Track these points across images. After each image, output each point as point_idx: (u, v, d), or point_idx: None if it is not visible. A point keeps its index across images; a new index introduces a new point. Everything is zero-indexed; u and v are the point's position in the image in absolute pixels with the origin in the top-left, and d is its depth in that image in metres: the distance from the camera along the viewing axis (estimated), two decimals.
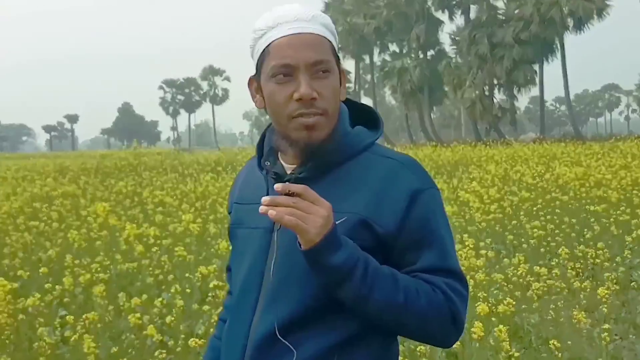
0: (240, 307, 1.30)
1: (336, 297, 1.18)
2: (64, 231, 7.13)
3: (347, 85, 1.39)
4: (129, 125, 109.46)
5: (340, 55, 1.40)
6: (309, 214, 1.12)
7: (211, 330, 4.09)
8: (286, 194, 1.13)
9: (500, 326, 3.31)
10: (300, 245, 1.15)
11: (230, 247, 1.50)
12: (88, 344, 3.34)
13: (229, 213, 1.45)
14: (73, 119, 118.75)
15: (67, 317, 3.90)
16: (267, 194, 1.18)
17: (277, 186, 1.14)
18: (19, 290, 5.54)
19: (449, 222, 1.32)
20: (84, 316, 4.03)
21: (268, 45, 1.24)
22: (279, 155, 1.33)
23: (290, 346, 1.21)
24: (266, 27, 1.25)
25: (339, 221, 1.18)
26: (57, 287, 4.75)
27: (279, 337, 1.21)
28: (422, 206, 1.24)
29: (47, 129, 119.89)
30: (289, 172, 1.29)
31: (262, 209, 1.12)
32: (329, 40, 1.26)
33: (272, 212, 1.11)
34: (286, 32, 1.23)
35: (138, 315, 3.65)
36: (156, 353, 3.84)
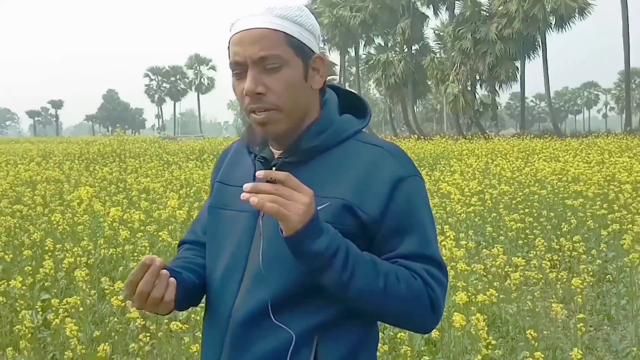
0: (224, 288, 1.31)
1: (318, 283, 1.20)
2: (48, 215, 7.10)
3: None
4: (114, 112, 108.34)
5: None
6: (291, 201, 1.12)
7: (192, 315, 4.13)
8: (268, 181, 1.13)
9: (478, 314, 3.39)
10: (282, 231, 1.15)
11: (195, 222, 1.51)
12: (70, 327, 3.35)
13: (211, 189, 1.46)
14: (57, 104, 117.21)
15: (52, 300, 3.90)
16: (254, 178, 1.19)
17: (259, 173, 1.14)
18: (0, 273, 5.52)
19: (432, 211, 1.34)
20: (65, 300, 4.05)
21: (228, 42, 1.28)
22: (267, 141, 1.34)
23: (282, 325, 1.23)
24: (231, 23, 1.28)
25: (322, 206, 1.20)
26: (40, 270, 4.75)
27: (271, 315, 1.23)
28: (405, 193, 1.26)
29: (31, 114, 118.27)
30: (276, 156, 1.31)
31: (243, 195, 1.12)
32: (284, 33, 1.23)
33: (253, 199, 1.11)
34: (239, 29, 1.25)
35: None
36: (140, 337, 3.88)
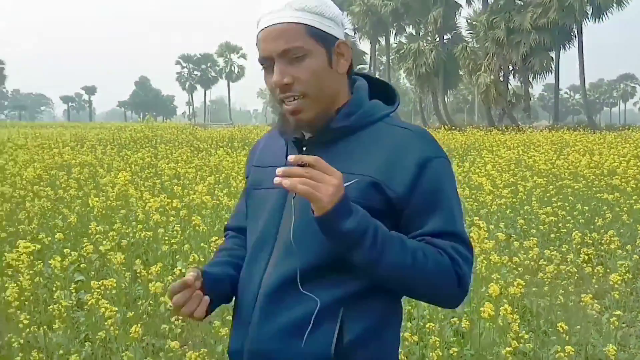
0: (254, 260, 1.38)
1: (348, 260, 1.25)
2: (82, 198, 7.23)
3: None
4: (146, 99, 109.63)
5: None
6: (321, 183, 1.18)
7: None
8: (299, 165, 1.19)
9: (506, 305, 3.36)
10: (313, 212, 1.21)
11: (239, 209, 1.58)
12: (108, 308, 3.41)
13: (247, 177, 1.55)
14: (91, 90, 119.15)
15: (91, 282, 3.97)
16: (286, 159, 1.23)
17: (291, 157, 1.19)
18: (35, 254, 5.65)
19: (458, 192, 1.37)
20: (100, 282, 4.12)
21: (256, 38, 1.36)
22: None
23: (311, 295, 1.28)
24: (256, 21, 1.36)
25: (350, 182, 1.26)
26: (73, 252, 4.84)
27: (299, 284, 1.28)
28: (432, 173, 1.30)
29: (65, 99, 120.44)
30: (307, 137, 1.37)
31: (276, 179, 1.18)
32: (304, 24, 1.30)
33: (286, 182, 1.17)
34: (262, 26, 1.33)
35: (158, 284, 3.74)
36: (171, 319, 3.94)
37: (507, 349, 3.28)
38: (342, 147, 1.33)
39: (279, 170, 1.18)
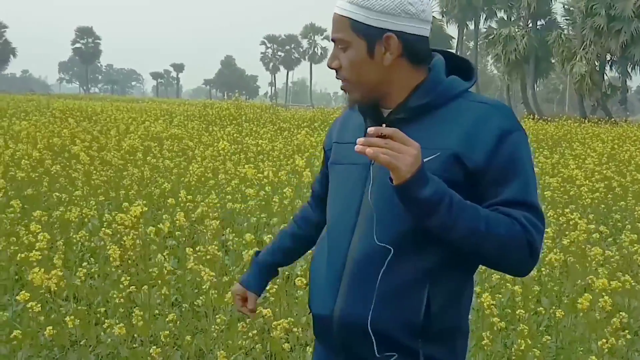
0: (338, 230, 1.48)
1: (425, 227, 1.32)
2: (176, 168, 7.54)
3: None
4: (230, 78, 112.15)
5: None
6: (400, 153, 1.25)
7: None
8: (378, 136, 1.26)
9: (606, 297, 3.25)
10: (391, 180, 1.27)
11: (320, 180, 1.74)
12: (207, 272, 3.58)
13: (326, 150, 1.66)
14: (179, 67, 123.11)
15: (187, 249, 4.15)
16: (365, 135, 1.29)
17: (370, 129, 1.27)
18: (133, 219, 5.96)
19: (534, 164, 1.43)
20: (198, 248, 4.32)
21: None
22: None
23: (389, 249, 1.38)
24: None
25: (432, 156, 1.33)
26: (167, 220, 5.06)
27: (388, 247, 1.37)
28: (510, 145, 1.36)
29: (155, 75, 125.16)
30: (385, 115, 1.45)
31: (357, 148, 1.26)
32: (348, 18, 1.40)
33: (369, 151, 1.24)
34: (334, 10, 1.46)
35: (252, 251, 3.87)
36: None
37: (599, 343, 3.18)
38: (422, 124, 1.39)
39: (360, 140, 1.26)
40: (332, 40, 1.46)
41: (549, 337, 3.33)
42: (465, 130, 1.36)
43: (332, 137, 1.62)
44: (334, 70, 1.47)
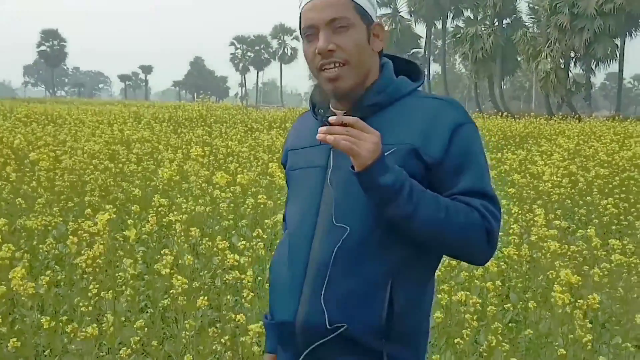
0: (299, 234, 1.46)
1: (385, 216, 1.34)
2: (142, 172, 7.43)
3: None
4: (199, 79, 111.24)
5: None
6: (361, 140, 1.28)
7: None
8: (340, 125, 1.29)
9: (565, 292, 3.30)
10: (353, 168, 1.30)
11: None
12: (178, 278, 3.52)
13: (283, 164, 1.64)
14: (147, 69, 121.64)
15: (166, 253, 4.08)
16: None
17: (332, 118, 1.30)
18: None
19: (486, 155, 1.47)
20: (162, 251, 4.25)
21: (300, 11, 1.45)
22: (329, 103, 1.51)
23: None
24: None
25: (389, 151, 1.35)
26: (131, 224, 4.98)
27: (345, 227, 1.37)
28: (463, 137, 1.40)
29: (122, 78, 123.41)
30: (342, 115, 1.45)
31: (319, 136, 1.28)
32: (352, 0, 1.41)
33: (330, 137, 1.27)
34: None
35: (235, 256, 3.83)
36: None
37: (571, 336, 3.23)
38: (376, 122, 1.39)
39: (322, 129, 1.29)
40: (327, 22, 1.39)
41: (519, 333, 3.36)
42: (421, 126, 1.40)
43: (287, 147, 1.62)
44: (317, 57, 1.41)
